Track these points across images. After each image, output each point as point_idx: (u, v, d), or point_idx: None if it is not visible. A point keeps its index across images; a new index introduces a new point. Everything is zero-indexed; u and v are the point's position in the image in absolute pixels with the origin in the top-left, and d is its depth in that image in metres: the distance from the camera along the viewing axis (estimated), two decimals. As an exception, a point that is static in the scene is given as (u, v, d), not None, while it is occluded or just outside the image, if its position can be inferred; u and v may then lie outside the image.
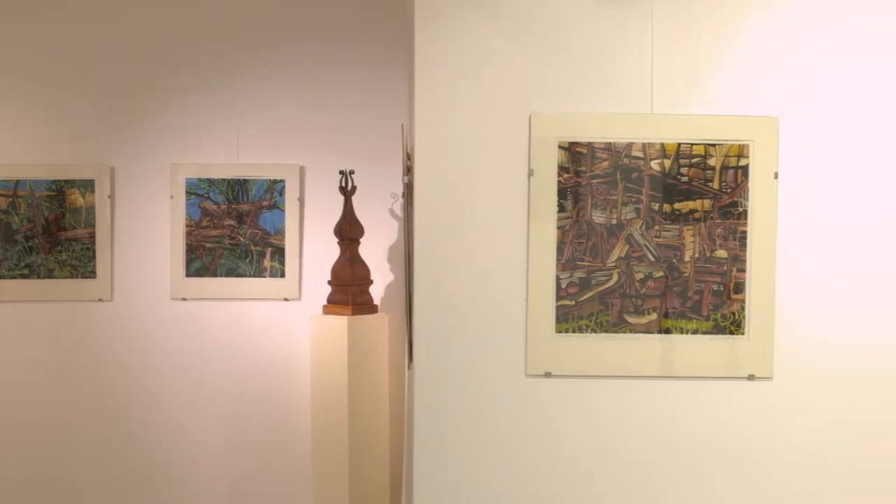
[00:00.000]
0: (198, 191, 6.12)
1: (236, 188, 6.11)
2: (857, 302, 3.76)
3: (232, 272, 6.14)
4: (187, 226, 6.14)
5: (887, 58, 3.72)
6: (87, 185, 6.13)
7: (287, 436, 6.23)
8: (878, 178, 3.74)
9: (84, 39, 6.16)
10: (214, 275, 6.15)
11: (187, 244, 6.14)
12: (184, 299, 6.18)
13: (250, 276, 6.14)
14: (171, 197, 6.13)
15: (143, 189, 6.17)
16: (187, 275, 6.16)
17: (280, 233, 6.12)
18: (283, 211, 6.12)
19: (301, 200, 6.15)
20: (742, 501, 3.81)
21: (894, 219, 3.74)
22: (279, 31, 6.13)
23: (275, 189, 6.11)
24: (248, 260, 6.12)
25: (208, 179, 6.12)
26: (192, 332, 6.21)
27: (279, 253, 6.12)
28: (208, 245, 6.14)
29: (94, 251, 6.15)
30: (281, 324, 6.18)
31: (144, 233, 6.19)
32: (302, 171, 6.15)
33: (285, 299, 6.16)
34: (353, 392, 5.73)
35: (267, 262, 6.13)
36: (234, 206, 6.12)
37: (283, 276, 6.13)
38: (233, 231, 6.13)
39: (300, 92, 6.13)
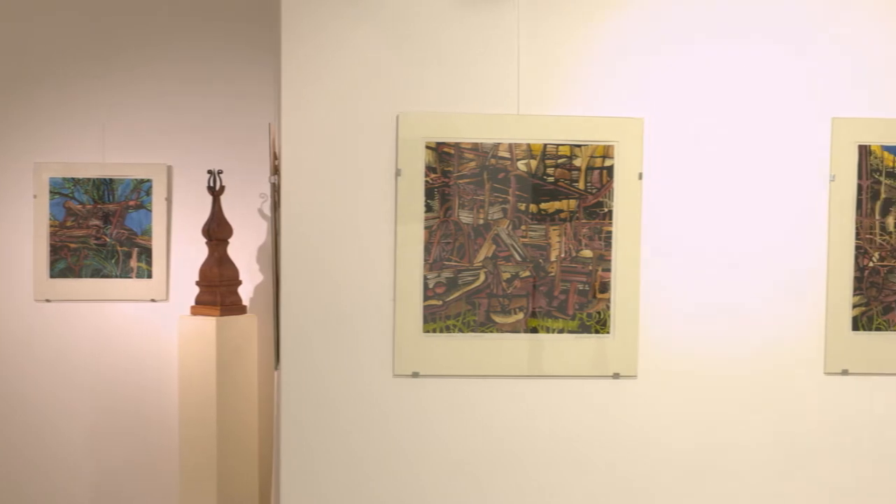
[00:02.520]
0: (62, 190, 6.00)
1: (102, 188, 6.01)
2: (719, 302, 3.83)
3: (97, 273, 6.03)
4: (51, 226, 6.01)
5: (750, 60, 3.80)
6: (-54, 185, 5.99)
7: (155, 437, 6.14)
8: (740, 179, 3.81)
9: (-58, 34, 6.02)
10: (79, 276, 6.03)
11: (51, 245, 6.02)
12: (48, 301, 6.06)
13: (116, 276, 6.04)
14: (35, 196, 6.00)
15: (5, 188, 6.04)
16: (51, 276, 6.03)
17: (147, 233, 6.04)
18: (150, 211, 6.04)
19: (168, 200, 6.07)
20: (608, 497, 3.86)
21: (756, 219, 3.82)
22: (146, 29, 6.05)
23: (141, 189, 6.02)
24: (114, 260, 6.02)
25: (73, 179, 6.00)
26: (56, 334, 6.09)
27: (146, 253, 6.03)
28: (73, 245, 6.02)
29: (-47, 252, 6.02)
30: (148, 325, 6.10)
31: (6, 233, 6.05)
32: (169, 170, 6.07)
33: (152, 300, 6.07)
34: (221, 393, 5.68)
35: (133, 263, 6.03)
36: (99, 206, 6.01)
37: (150, 276, 6.04)
38: (98, 231, 6.02)
39: (167, 91, 6.05)
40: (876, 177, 3.81)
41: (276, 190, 3.84)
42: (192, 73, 6.06)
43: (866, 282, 3.83)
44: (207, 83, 6.06)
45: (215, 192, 5.85)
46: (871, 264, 3.83)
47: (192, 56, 6.06)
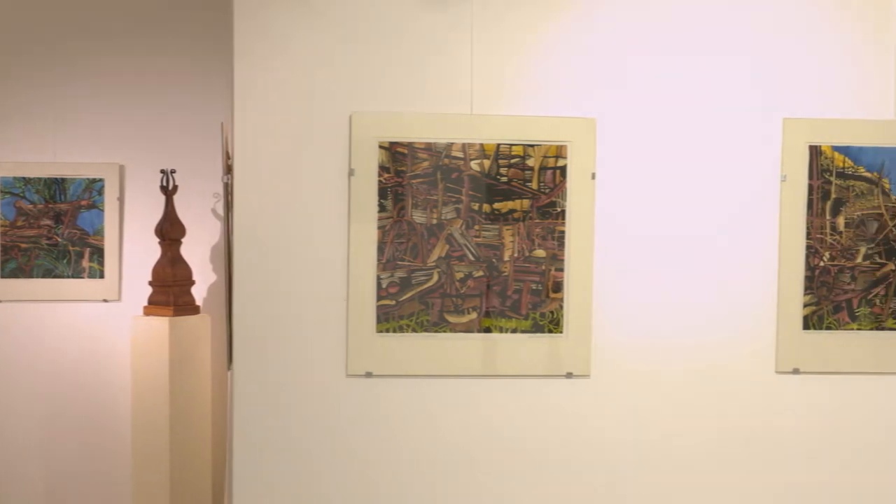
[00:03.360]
0: (13, 190, 5.94)
1: (53, 187, 5.96)
2: (671, 301, 3.85)
3: (49, 273, 5.98)
4: (1, 226, 5.95)
5: (702, 61, 3.82)
6: None
7: (106, 439, 6.08)
8: (692, 179, 3.83)
9: None
10: (30, 276, 5.98)
11: (1, 245, 5.96)
12: (-2, 301, 6.01)
13: (68, 277, 5.99)
14: (-15, 196, 5.96)
15: (-46, 188, 5.98)
16: (2, 276, 5.97)
17: (99, 233, 5.99)
18: (103, 210, 5.99)
19: (121, 200, 6.02)
20: (562, 496, 3.87)
21: (707, 218, 3.84)
22: (97, 26, 6.00)
23: (93, 188, 5.97)
24: (65, 261, 5.97)
25: (24, 178, 5.95)
26: (7, 334, 6.03)
27: (98, 253, 5.99)
28: (24, 245, 5.97)
29: None
30: (100, 325, 6.04)
31: (-44, 233, 5.99)
32: (122, 169, 6.03)
33: (105, 300, 6.02)
34: (174, 394, 5.65)
35: (85, 263, 5.99)
36: (51, 206, 5.96)
37: (102, 276, 6.00)
38: (50, 231, 5.97)
39: (119, 89, 6.00)
40: (826, 177, 3.84)
41: (228, 190, 3.83)
42: (145, 72, 6.01)
43: (817, 281, 3.86)
44: (160, 82, 6.01)
45: (168, 191, 5.82)
46: (821, 264, 3.85)
47: (144, 54, 6.01)
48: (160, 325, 5.67)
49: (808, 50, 3.84)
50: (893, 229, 3.86)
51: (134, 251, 6.04)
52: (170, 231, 5.80)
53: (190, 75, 6.01)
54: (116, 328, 6.03)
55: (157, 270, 5.79)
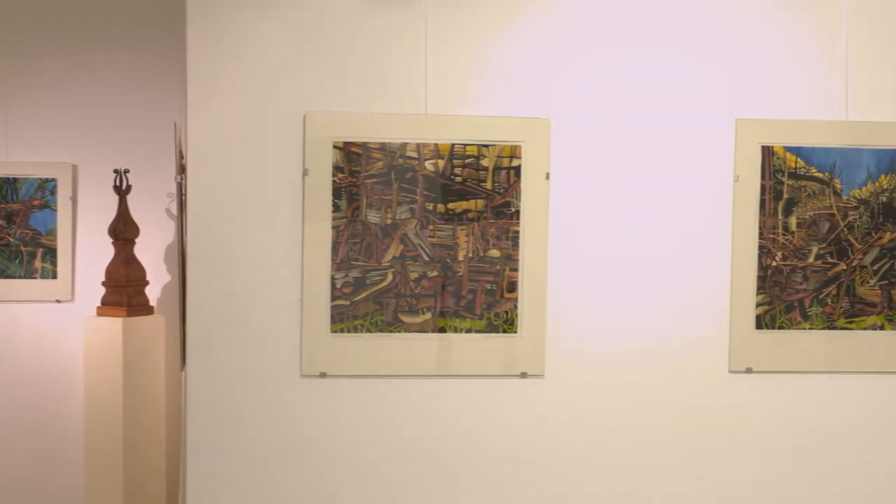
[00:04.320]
0: (-36, 190, 5.90)
1: (5, 187, 5.91)
2: (625, 301, 3.86)
3: (1, 273, 5.93)
4: (-47, 226, 5.91)
5: (654, 61, 3.83)
6: None
7: (59, 440, 6.04)
8: (646, 179, 3.84)
9: None
10: (-19, 276, 5.94)
11: (-48, 245, 5.92)
12: (-51, 302, 5.96)
13: (20, 277, 5.95)
14: (-64, 196, 5.90)
15: None
16: (-47, 276, 5.93)
17: (52, 233, 5.95)
18: (55, 210, 5.95)
19: (74, 200, 5.98)
20: (518, 495, 3.87)
21: (661, 218, 3.85)
22: (49, 23, 5.95)
23: (46, 188, 5.93)
24: (17, 261, 5.93)
25: (-25, 178, 5.91)
26: (-43, 336, 5.99)
27: (51, 253, 5.94)
28: (-25, 246, 5.93)
29: None
30: (53, 326, 6.00)
31: None
32: (74, 169, 5.99)
33: (57, 301, 5.98)
34: (127, 395, 5.62)
35: (38, 263, 5.94)
36: (2, 206, 5.91)
37: (55, 277, 5.96)
38: (2, 231, 5.93)
39: (72, 88, 5.96)
40: (779, 177, 3.86)
41: (182, 189, 3.80)
42: (98, 70, 5.98)
43: (769, 281, 3.88)
44: (113, 80, 5.97)
45: (122, 191, 5.79)
46: (774, 264, 3.88)
47: (97, 52, 5.98)
48: (114, 325, 5.64)
49: (761, 50, 3.87)
50: (845, 229, 3.89)
51: (87, 251, 6.00)
52: (123, 231, 5.77)
53: (143, 74, 5.98)
54: (69, 329, 5.99)
55: (111, 271, 5.76)
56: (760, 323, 3.89)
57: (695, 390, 3.91)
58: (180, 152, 3.98)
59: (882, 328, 3.94)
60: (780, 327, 3.90)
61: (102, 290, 5.84)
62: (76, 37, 5.98)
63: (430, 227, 3.73)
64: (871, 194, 3.89)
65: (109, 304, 5.75)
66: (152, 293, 6.02)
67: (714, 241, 3.87)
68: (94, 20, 5.99)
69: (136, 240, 5.83)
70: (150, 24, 5.98)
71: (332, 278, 3.70)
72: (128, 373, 5.63)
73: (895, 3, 3.93)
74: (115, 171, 5.81)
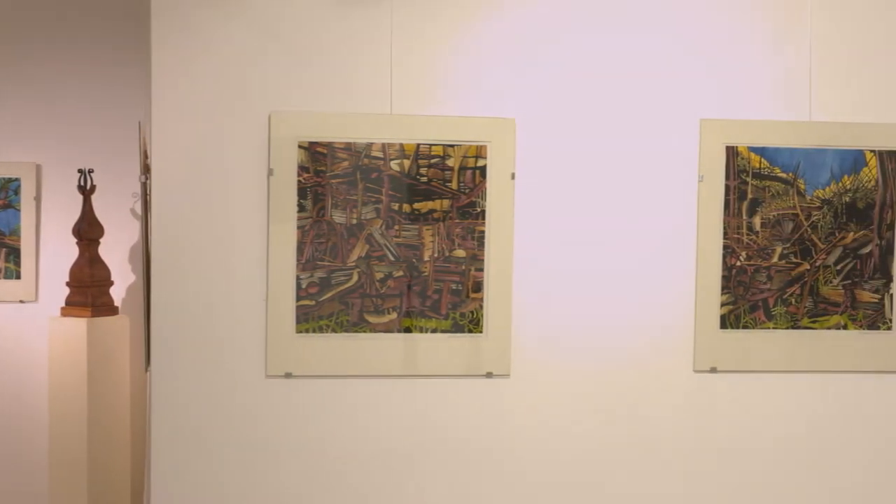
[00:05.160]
0: (-74, 189, 5.86)
1: (-32, 187, 5.88)
2: (590, 300, 3.87)
3: (-37, 274, 5.90)
4: (-85, 226, 5.87)
5: (619, 62, 3.84)
6: None
7: (22, 441, 6.00)
8: (611, 179, 3.85)
9: None
10: (-57, 277, 5.90)
11: (-86, 245, 5.88)
12: None
13: (-17, 277, 5.91)
14: None
15: None
16: (-87, 277, 5.89)
17: (15, 233, 5.91)
18: (19, 210, 5.91)
19: (38, 199, 5.94)
20: (482, 495, 3.88)
21: (626, 218, 3.87)
22: (12, 21, 5.91)
23: (9, 188, 5.89)
24: (-20, 261, 5.89)
25: (-63, 177, 5.87)
26: (-80, 337, 5.95)
27: (14, 254, 5.90)
28: (-62, 246, 5.89)
29: None
30: (17, 326, 5.96)
31: None
32: (38, 169, 5.95)
33: (21, 301, 5.94)
34: (92, 396, 5.59)
35: (1, 263, 5.90)
36: (-35, 205, 5.88)
37: (18, 277, 5.91)
38: (-36, 231, 5.89)
39: (35, 87, 5.92)
40: (743, 177, 3.88)
41: (146, 189, 3.79)
42: (62, 69, 5.94)
43: (734, 280, 3.90)
44: (77, 80, 5.94)
45: (86, 191, 5.75)
46: (738, 263, 3.90)
47: (61, 51, 5.94)
48: (78, 326, 5.60)
49: (725, 51, 3.89)
50: (808, 229, 3.92)
51: (51, 251, 5.96)
52: (88, 231, 5.73)
53: (108, 73, 5.94)
54: (33, 329, 5.95)
55: (75, 271, 5.72)
56: (725, 322, 3.91)
57: (660, 390, 3.92)
58: (145, 152, 3.97)
59: (845, 328, 3.96)
60: (745, 327, 3.92)
61: (66, 291, 5.80)
62: (39, 36, 5.94)
63: (396, 227, 3.73)
64: (834, 194, 3.92)
65: (74, 305, 5.71)
66: (117, 293, 5.98)
67: (679, 240, 3.88)
68: (57, 19, 5.95)
69: (101, 240, 5.80)
70: (114, 23, 5.94)
71: (298, 278, 3.70)
72: (92, 373, 5.59)
73: (859, 5, 3.95)
74: (80, 171, 5.77)
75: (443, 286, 3.77)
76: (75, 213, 5.81)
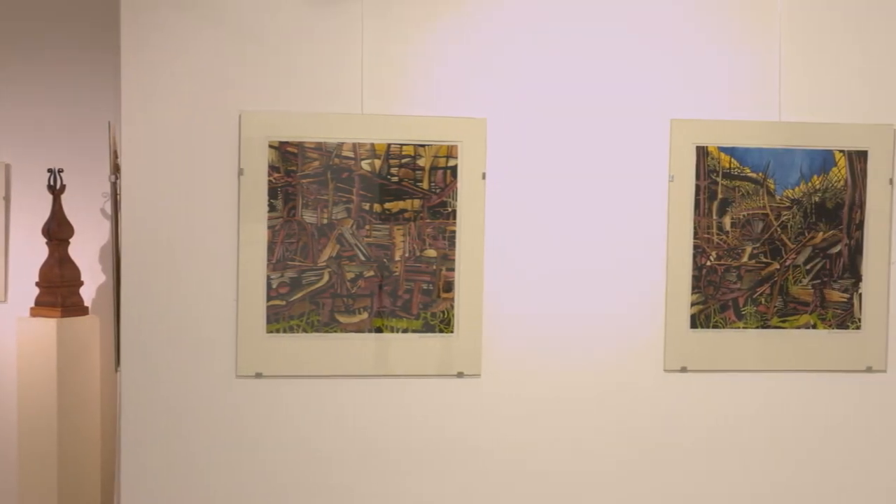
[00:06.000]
0: None
1: (-64, 186, 5.83)
2: (560, 300, 3.88)
3: (-69, 274, 5.86)
4: None
5: (590, 62, 3.85)
6: None
7: (-8, 443, 5.98)
8: (582, 178, 3.86)
9: None
10: (-89, 277, 5.85)
11: None
12: None
13: (-49, 278, 5.87)
14: None
15: None
16: None
17: (-16, 233, 5.87)
18: (-12, 210, 5.87)
19: (6, 199, 5.90)
20: (453, 494, 3.88)
21: (597, 218, 3.88)
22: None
23: (-22, 187, 5.86)
24: (-51, 261, 5.85)
25: None
26: None
27: (-18, 254, 5.87)
28: None
29: None
30: (-15, 327, 5.93)
31: None
32: (7, 168, 5.90)
33: (-10, 302, 5.91)
34: (62, 397, 5.55)
35: (-30, 264, 5.87)
36: (-67, 205, 5.84)
37: (-13, 277, 5.88)
38: (-68, 231, 5.85)
39: (3, 86, 5.87)
40: (713, 177, 3.90)
41: (116, 189, 3.77)
42: (31, 67, 5.90)
43: (704, 280, 3.91)
44: (46, 78, 5.89)
45: (56, 190, 5.71)
46: (708, 263, 3.91)
47: (30, 49, 5.90)
48: (47, 326, 5.57)
49: (695, 52, 3.90)
50: (778, 229, 3.93)
51: (20, 251, 5.92)
52: (57, 231, 5.69)
53: (77, 72, 5.90)
54: (2, 330, 5.90)
55: (45, 271, 5.69)
56: (695, 322, 3.92)
57: (630, 389, 3.93)
58: (115, 152, 3.95)
59: (814, 327, 3.98)
60: (715, 326, 3.93)
61: (36, 291, 5.76)
62: (8, 33, 5.90)
63: (367, 226, 3.73)
64: (803, 194, 3.93)
65: (43, 305, 5.68)
66: (87, 294, 5.95)
67: (650, 240, 3.90)
68: (26, 17, 5.92)
69: (71, 240, 5.76)
70: (84, 21, 5.91)
71: (268, 278, 3.69)
72: (62, 374, 5.56)
73: (828, 7, 3.97)
74: (49, 171, 5.73)
75: (414, 286, 3.76)
76: (45, 212, 5.76)
